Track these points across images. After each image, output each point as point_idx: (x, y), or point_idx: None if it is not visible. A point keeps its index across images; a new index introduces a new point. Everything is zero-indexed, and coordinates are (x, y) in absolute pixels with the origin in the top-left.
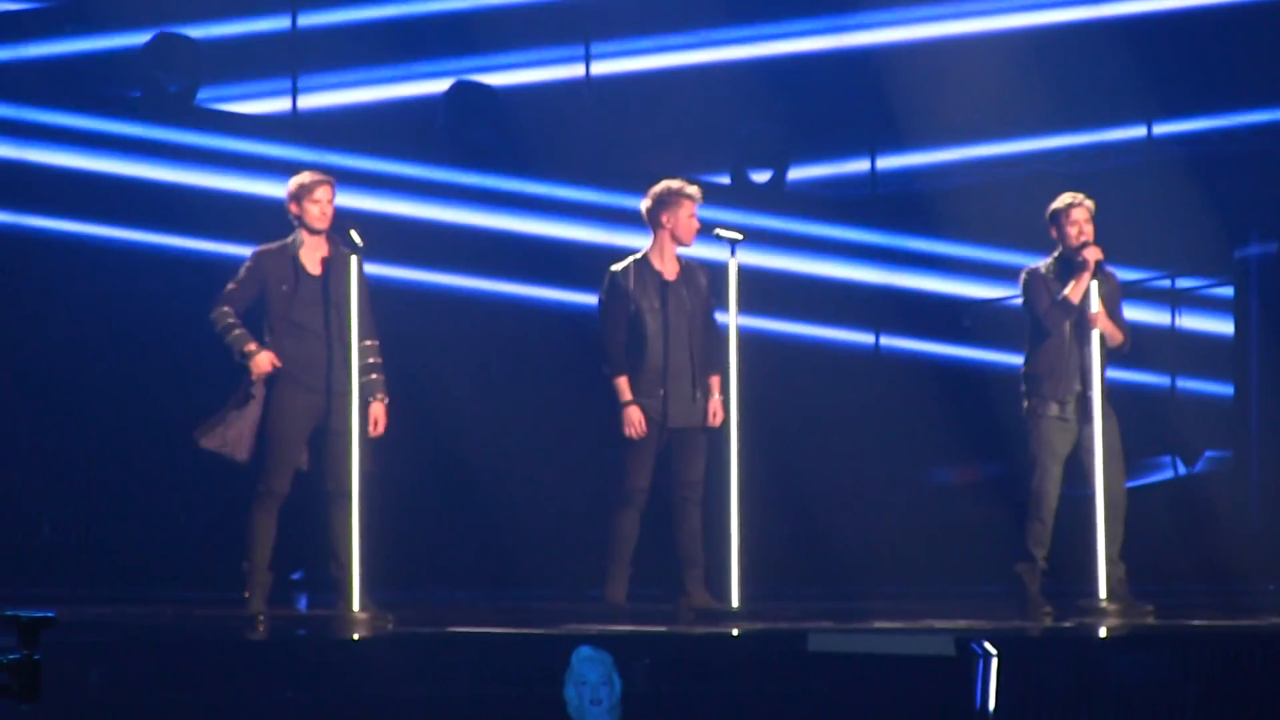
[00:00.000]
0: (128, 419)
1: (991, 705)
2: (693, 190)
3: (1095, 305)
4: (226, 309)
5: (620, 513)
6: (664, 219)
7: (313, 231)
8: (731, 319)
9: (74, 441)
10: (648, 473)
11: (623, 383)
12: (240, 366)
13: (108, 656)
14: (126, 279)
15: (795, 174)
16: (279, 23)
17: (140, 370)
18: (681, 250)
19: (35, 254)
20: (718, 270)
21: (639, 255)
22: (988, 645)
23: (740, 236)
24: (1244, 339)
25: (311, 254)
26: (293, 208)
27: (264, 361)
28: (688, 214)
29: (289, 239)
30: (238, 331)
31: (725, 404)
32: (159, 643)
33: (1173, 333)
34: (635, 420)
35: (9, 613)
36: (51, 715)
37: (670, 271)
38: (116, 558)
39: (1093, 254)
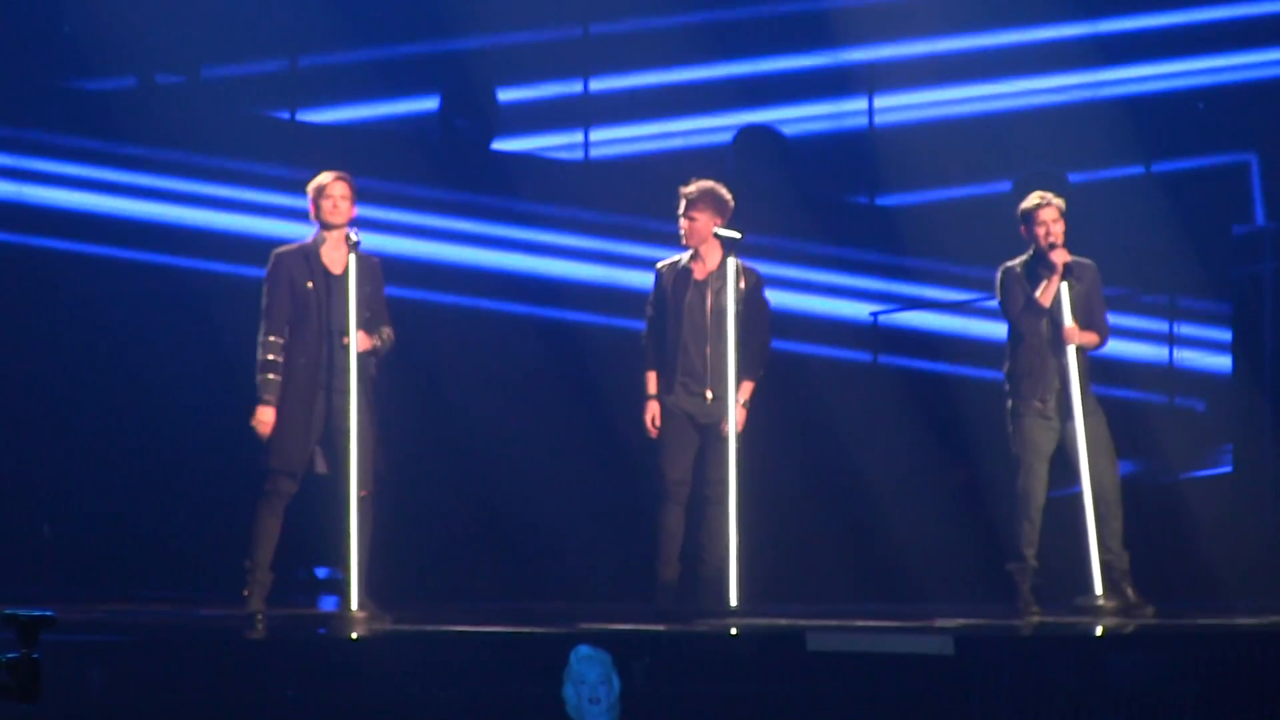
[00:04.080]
0: (127, 420)
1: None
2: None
3: (1068, 320)
4: (274, 339)
5: (659, 508)
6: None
7: (328, 227)
8: (731, 318)
9: (74, 442)
10: (681, 466)
11: (648, 378)
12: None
13: (108, 656)
14: (123, 285)
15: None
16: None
17: (139, 372)
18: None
19: (37, 260)
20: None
21: (688, 254)
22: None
23: (739, 235)
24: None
25: (331, 253)
26: (311, 209)
27: (264, 425)
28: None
29: (309, 239)
30: (271, 376)
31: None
32: (159, 643)
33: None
34: (648, 413)
35: (9, 613)
36: (51, 715)
37: (701, 271)
38: (116, 558)
39: (1059, 257)
